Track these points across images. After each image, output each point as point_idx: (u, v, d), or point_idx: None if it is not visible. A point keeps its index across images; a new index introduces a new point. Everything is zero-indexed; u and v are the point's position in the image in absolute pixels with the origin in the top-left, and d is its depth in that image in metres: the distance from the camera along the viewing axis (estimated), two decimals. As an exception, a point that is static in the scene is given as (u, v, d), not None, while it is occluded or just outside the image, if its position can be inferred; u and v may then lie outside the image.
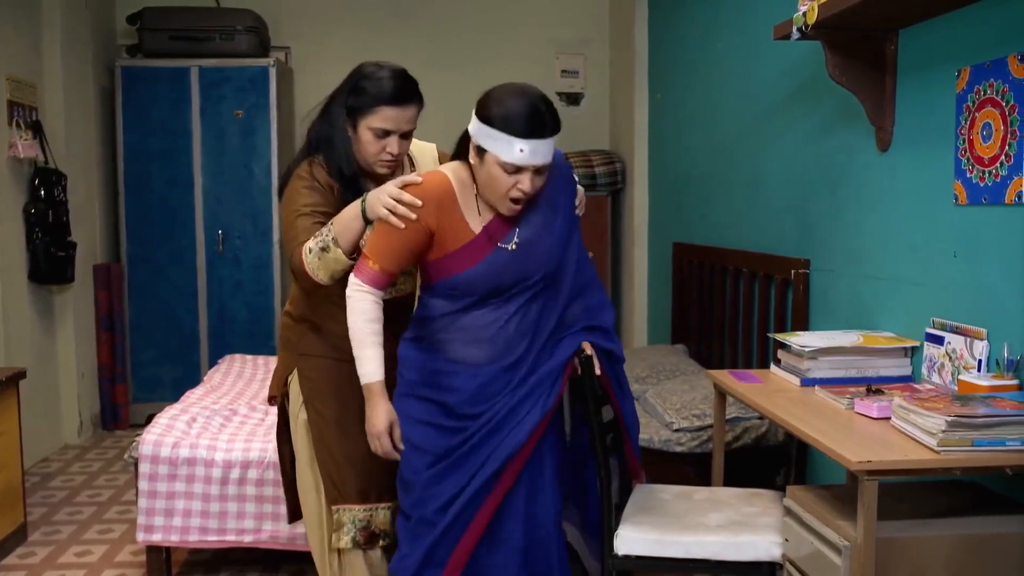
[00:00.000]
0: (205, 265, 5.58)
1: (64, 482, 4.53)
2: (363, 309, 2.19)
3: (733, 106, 4.08)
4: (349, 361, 2.41)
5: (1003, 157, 2.23)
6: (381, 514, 2.45)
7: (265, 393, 3.90)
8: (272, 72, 5.50)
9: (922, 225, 2.60)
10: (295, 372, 2.51)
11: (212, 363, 5.24)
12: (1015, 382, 2.16)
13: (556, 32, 6.13)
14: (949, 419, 1.91)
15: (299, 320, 2.50)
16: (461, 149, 2.24)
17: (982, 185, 2.32)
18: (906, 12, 2.49)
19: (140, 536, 3.18)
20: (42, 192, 4.79)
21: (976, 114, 2.34)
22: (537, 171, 2.12)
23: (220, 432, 3.33)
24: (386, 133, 2.33)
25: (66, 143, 5.08)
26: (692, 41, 4.63)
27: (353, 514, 2.43)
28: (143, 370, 5.61)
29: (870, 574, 1.91)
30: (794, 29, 2.69)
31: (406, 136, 2.38)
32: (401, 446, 2.22)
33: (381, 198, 2.17)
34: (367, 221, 2.21)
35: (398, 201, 2.14)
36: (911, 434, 2.02)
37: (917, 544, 1.97)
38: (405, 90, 2.35)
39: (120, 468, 4.71)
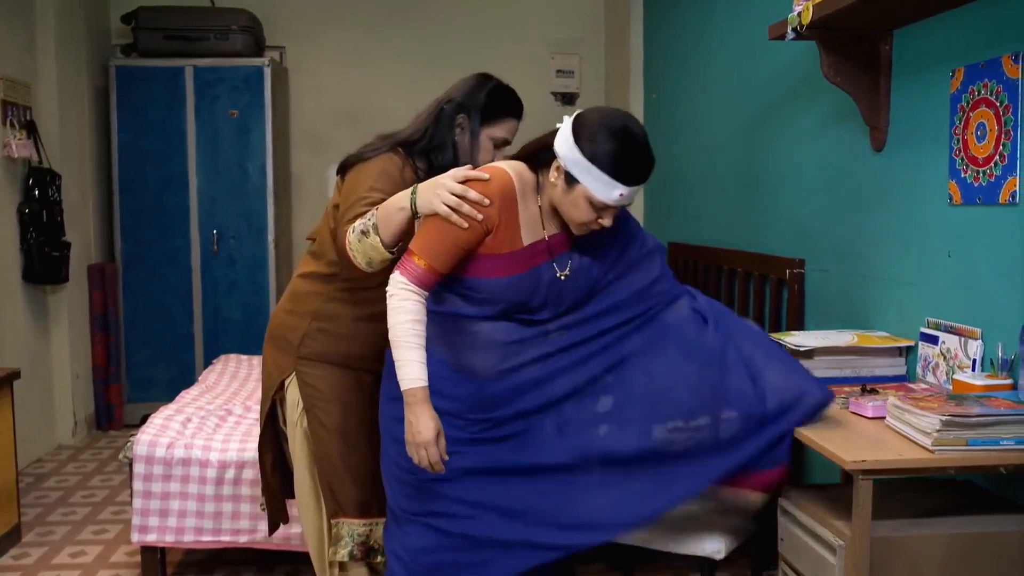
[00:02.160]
0: (200, 265, 5.57)
1: (58, 483, 4.52)
2: (407, 309, 2.00)
3: (728, 106, 4.08)
4: (354, 368, 2.38)
5: (997, 157, 2.24)
6: (381, 529, 2.38)
7: (260, 394, 3.89)
8: (267, 72, 5.49)
9: (917, 225, 2.60)
10: (293, 376, 2.41)
11: (207, 363, 5.24)
12: (1009, 381, 2.17)
13: (551, 32, 6.13)
14: (944, 418, 1.92)
15: (304, 317, 2.40)
16: (530, 155, 2.12)
17: (976, 185, 2.32)
18: (900, 12, 2.50)
19: (135, 537, 3.17)
20: (36, 192, 4.78)
21: (970, 114, 2.34)
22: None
23: (215, 432, 3.32)
24: (505, 143, 2.37)
25: (60, 143, 5.07)
26: (687, 41, 4.64)
27: (352, 528, 2.37)
28: (137, 370, 5.60)
29: (864, 573, 1.92)
30: (789, 29, 2.70)
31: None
32: (446, 456, 2.04)
33: (440, 194, 2.02)
34: (415, 215, 2.08)
35: (462, 198, 2.00)
36: (906, 434, 2.03)
37: (911, 543, 1.97)
38: (522, 106, 2.40)
39: (115, 468, 4.70)
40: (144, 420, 3.56)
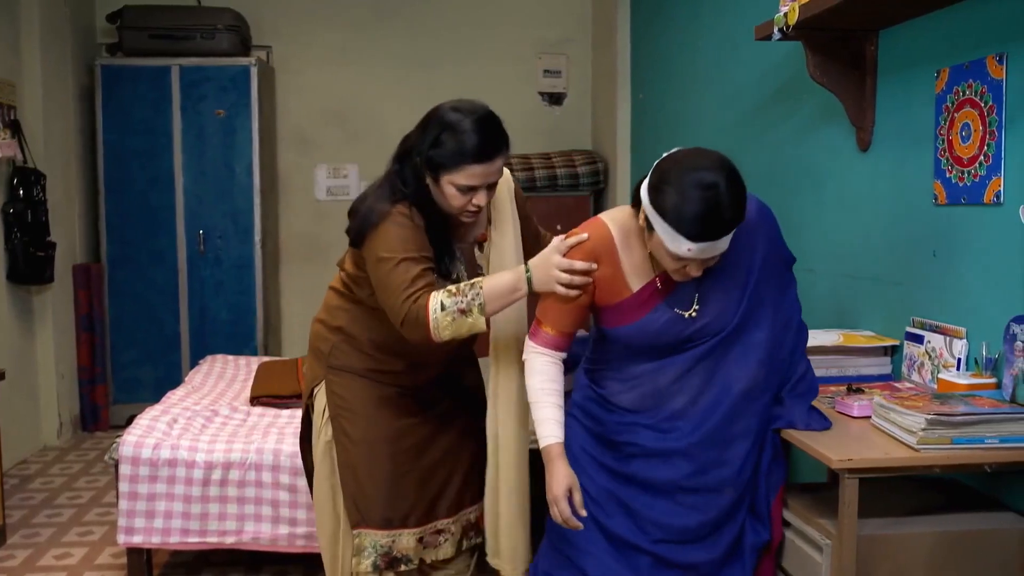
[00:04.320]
0: (186, 265, 5.55)
1: (44, 484, 4.50)
2: (541, 370, 2.10)
3: (715, 106, 4.09)
4: (382, 383, 2.38)
5: (981, 157, 2.25)
6: (404, 539, 2.36)
7: (247, 394, 3.88)
8: (253, 71, 5.47)
9: (902, 225, 2.62)
10: (323, 384, 2.40)
11: (193, 364, 5.21)
12: (993, 380, 2.18)
13: (538, 32, 6.13)
14: (929, 417, 1.93)
15: (333, 331, 2.40)
16: (635, 197, 2.03)
17: (961, 185, 2.33)
18: (886, 13, 2.51)
19: (121, 538, 3.16)
20: (21, 192, 4.75)
21: (955, 114, 2.35)
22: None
23: (201, 433, 3.31)
24: (471, 189, 2.17)
25: (45, 142, 5.04)
26: (674, 41, 4.64)
27: (375, 539, 2.34)
28: (123, 371, 5.57)
29: (851, 572, 1.92)
30: (775, 30, 2.70)
31: (492, 187, 2.23)
32: (583, 512, 2.04)
33: (553, 273, 2.05)
34: (531, 294, 2.13)
35: (570, 271, 2.04)
36: (891, 433, 2.04)
37: (897, 541, 1.98)
38: (492, 144, 2.16)
39: (100, 470, 4.67)
40: (130, 421, 3.55)
